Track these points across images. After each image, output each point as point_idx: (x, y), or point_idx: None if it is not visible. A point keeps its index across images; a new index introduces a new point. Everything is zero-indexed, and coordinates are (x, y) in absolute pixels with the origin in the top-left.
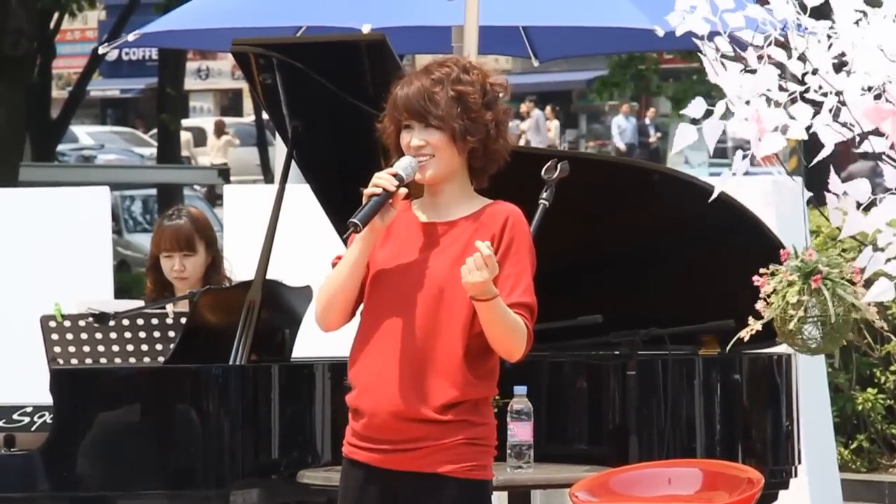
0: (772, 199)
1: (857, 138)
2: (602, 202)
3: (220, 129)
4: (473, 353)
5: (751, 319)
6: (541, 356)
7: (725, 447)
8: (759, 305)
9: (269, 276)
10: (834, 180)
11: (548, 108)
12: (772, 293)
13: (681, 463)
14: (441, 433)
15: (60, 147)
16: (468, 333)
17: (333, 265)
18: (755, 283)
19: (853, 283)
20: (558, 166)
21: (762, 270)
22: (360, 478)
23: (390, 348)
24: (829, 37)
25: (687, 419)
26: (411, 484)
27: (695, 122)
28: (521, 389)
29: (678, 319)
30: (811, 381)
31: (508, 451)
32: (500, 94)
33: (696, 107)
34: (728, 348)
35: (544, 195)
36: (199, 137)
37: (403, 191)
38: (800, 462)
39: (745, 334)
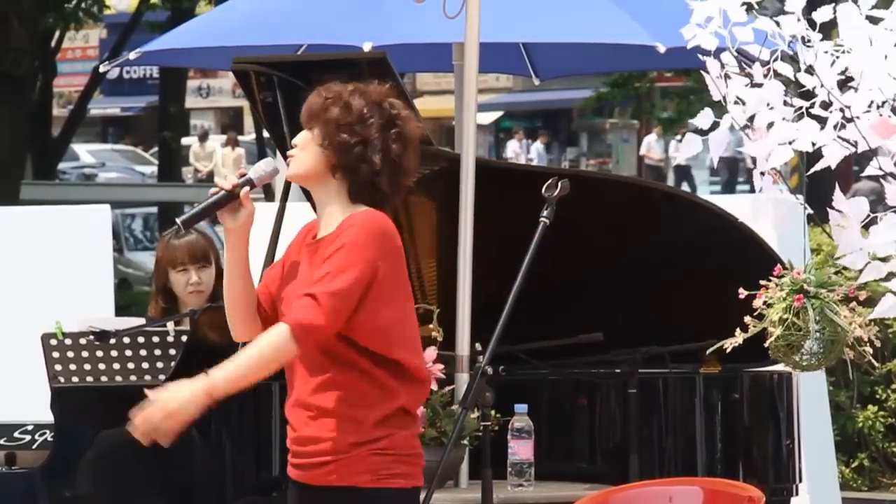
0: (772, 216)
1: (863, 157)
2: (603, 220)
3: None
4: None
5: (738, 332)
6: (541, 374)
7: (726, 465)
8: (748, 319)
9: None
10: (838, 196)
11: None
12: (766, 307)
13: (682, 481)
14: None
15: (61, 165)
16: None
17: None
18: (742, 296)
19: (850, 301)
20: (559, 184)
21: (762, 283)
22: None
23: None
24: (834, 53)
25: (688, 437)
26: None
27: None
28: (521, 408)
29: (679, 338)
30: (812, 399)
31: (509, 470)
32: (390, 118)
33: (704, 118)
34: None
35: (545, 213)
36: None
37: (246, 190)
38: (801, 480)
39: (728, 346)
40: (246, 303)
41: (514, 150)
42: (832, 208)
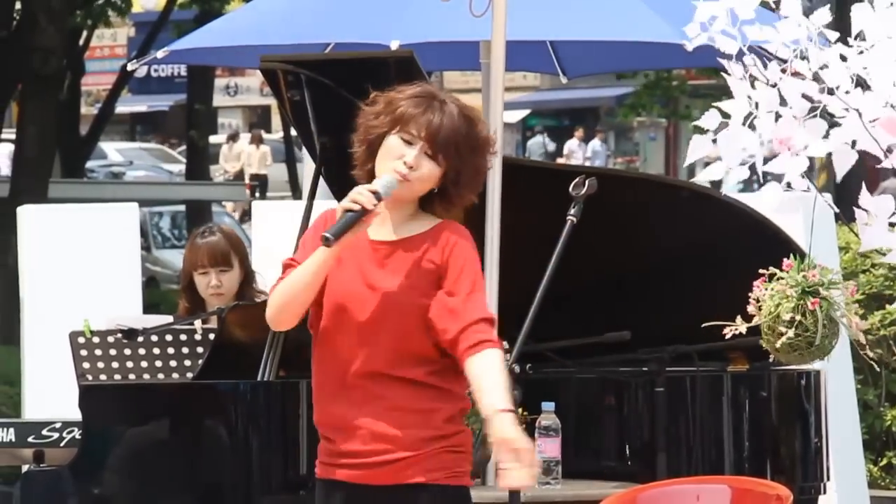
0: (800, 215)
1: (883, 154)
2: (631, 219)
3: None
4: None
5: (738, 320)
6: (569, 373)
7: (754, 464)
8: (751, 309)
9: None
10: (864, 195)
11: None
12: (766, 298)
13: (709, 479)
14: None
15: (89, 164)
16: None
17: (285, 266)
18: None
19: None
20: (586, 183)
21: (762, 271)
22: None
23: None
24: (845, 52)
25: (715, 436)
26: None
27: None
28: (548, 406)
29: (707, 336)
30: (840, 397)
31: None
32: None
33: (711, 118)
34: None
35: (572, 211)
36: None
37: (380, 209)
38: (829, 479)
39: (727, 332)
40: (311, 301)
41: (570, 149)
42: (859, 207)
